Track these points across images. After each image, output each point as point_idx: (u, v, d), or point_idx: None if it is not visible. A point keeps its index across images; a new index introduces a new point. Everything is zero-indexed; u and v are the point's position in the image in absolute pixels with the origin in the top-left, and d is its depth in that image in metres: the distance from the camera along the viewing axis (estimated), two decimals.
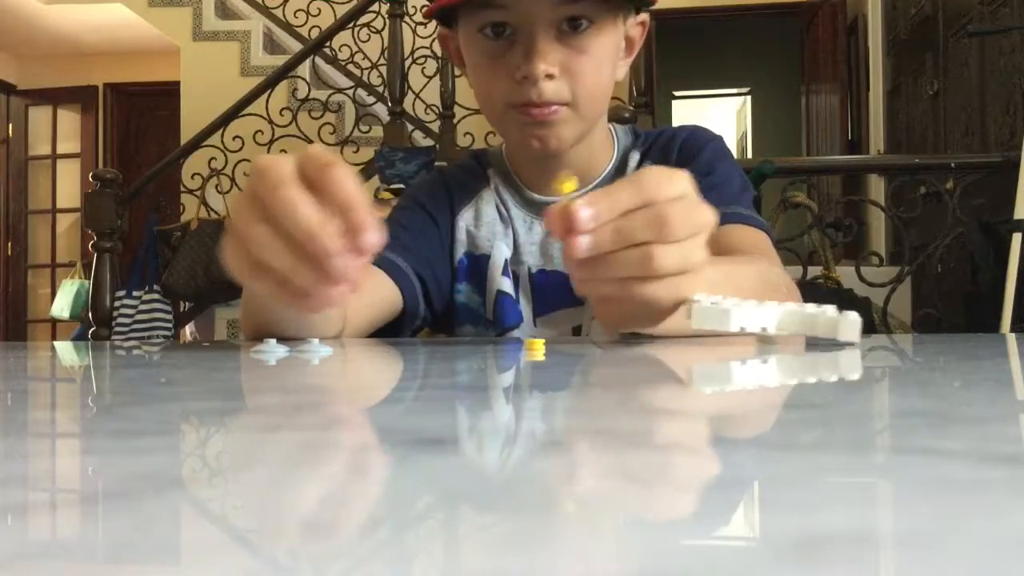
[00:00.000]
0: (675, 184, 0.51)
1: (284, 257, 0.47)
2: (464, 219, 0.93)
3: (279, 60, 4.20)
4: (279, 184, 0.47)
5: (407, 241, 0.88)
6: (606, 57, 0.83)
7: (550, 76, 0.79)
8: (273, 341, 0.52)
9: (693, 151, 0.90)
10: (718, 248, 0.78)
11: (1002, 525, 0.13)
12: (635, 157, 0.92)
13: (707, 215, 0.52)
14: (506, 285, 0.88)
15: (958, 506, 0.14)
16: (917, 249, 2.43)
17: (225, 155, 3.41)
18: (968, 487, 0.16)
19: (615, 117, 2.14)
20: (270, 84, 3.43)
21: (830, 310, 0.52)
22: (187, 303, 3.64)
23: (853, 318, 0.52)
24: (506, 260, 0.89)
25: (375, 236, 0.48)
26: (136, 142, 6.53)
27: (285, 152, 3.00)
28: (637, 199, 0.50)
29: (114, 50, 6.22)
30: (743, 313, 0.51)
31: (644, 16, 0.88)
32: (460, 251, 0.92)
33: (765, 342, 0.54)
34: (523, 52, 0.80)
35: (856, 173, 4.18)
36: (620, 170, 0.92)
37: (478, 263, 0.90)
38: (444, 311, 0.90)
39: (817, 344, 0.54)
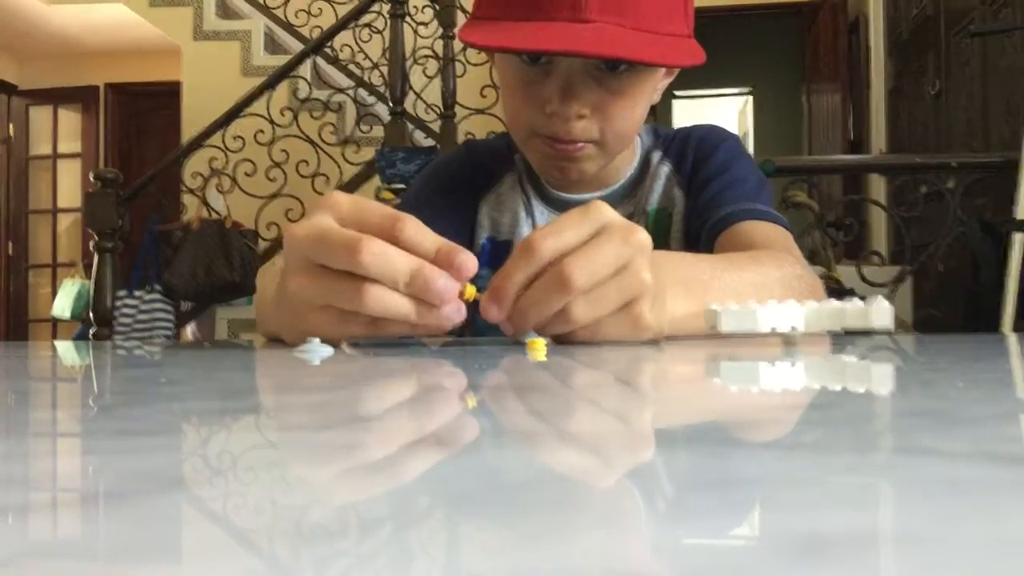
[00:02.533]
0: (566, 232, 0.51)
1: (388, 300, 0.51)
2: (487, 203, 0.92)
3: (280, 60, 4.21)
4: (356, 243, 0.49)
5: (429, 217, 0.87)
6: (642, 97, 0.80)
7: (581, 116, 0.77)
8: (316, 340, 0.52)
9: (708, 150, 0.89)
10: (737, 246, 0.78)
11: (1006, 526, 0.13)
12: (657, 155, 0.92)
13: (621, 246, 0.52)
14: None
15: (961, 507, 0.14)
16: (918, 249, 2.43)
17: (226, 155, 3.42)
18: (971, 487, 0.16)
19: None
20: (271, 84, 3.44)
21: (858, 301, 0.52)
22: (188, 303, 3.65)
23: (884, 304, 0.51)
24: None
25: (471, 259, 0.51)
26: (137, 142, 6.54)
27: (286, 152, 2.97)
28: (531, 264, 0.51)
29: (115, 50, 6.23)
30: (771, 313, 0.51)
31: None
32: (483, 235, 0.91)
33: (790, 342, 0.54)
34: (557, 88, 0.77)
35: (857, 173, 4.18)
36: (643, 170, 0.92)
37: (500, 249, 0.90)
38: None
39: (843, 338, 0.53)
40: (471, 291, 0.53)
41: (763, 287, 0.65)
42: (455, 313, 0.52)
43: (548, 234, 0.51)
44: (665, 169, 0.90)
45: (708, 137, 0.91)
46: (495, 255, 0.90)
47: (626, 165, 0.91)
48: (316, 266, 0.52)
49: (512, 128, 0.84)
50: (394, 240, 0.51)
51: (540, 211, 0.91)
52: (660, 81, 0.85)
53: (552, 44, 0.72)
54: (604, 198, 0.89)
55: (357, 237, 0.50)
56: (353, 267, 0.50)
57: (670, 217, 0.88)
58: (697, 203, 0.86)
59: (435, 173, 0.96)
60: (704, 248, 0.83)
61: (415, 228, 0.51)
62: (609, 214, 0.53)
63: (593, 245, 0.51)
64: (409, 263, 0.50)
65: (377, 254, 0.49)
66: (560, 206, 0.90)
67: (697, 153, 0.89)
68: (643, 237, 0.53)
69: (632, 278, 0.52)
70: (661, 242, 0.56)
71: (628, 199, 0.90)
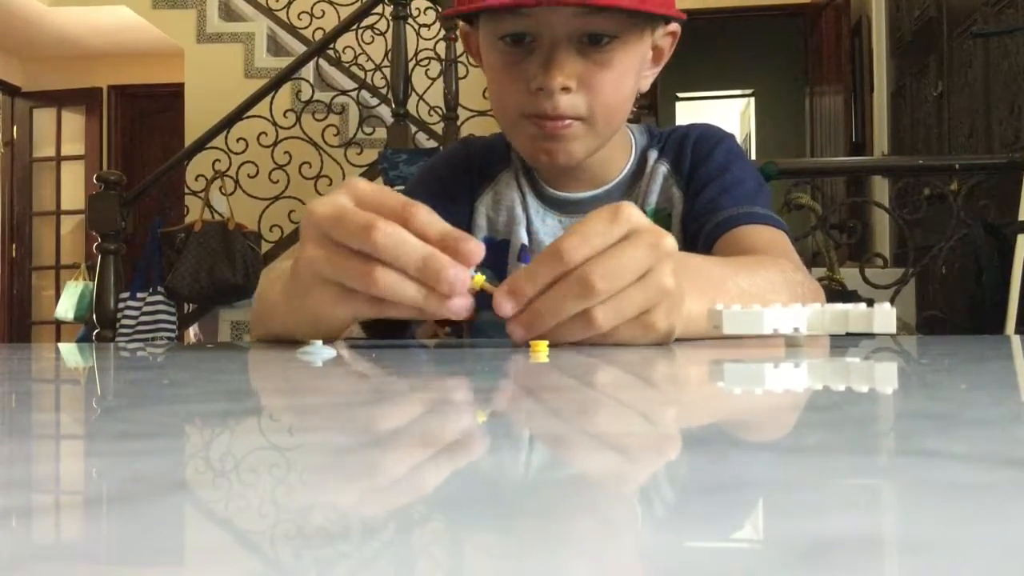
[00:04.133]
0: (594, 237, 0.51)
1: (397, 284, 0.51)
2: (484, 203, 0.92)
3: (283, 62, 4.21)
4: (372, 224, 0.51)
5: None
6: (628, 72, 0.80)
7: (567, 89, 0.77)
8: (319, 343, 0.52)
9: (706, 150, 0.89)
10: (737, 250, 0.78)
11: (1010, 528, 0.13)
12: (653, 155, 0.91)
13: (648, 251, 0.52)
14: None
15: (966, 509, 0.14)
16: (921, 251, 2.42)
17: (229, 157, 3.42)
18: (976, 490, 0.16)
19: None
20: (274, 86, 3.44)
21: (861, 305, 0.52)
22: (191, 305, 3.65)
23: (887, 309, 0.51)
24: (523, 245, 0.89)
25: (478, 247, 0.52)
26: (140, 144, 6.55)
27: (289, 154, 2.98)
28: (557, 268, 0.51)
29: (118, 52, 6.23)
30: (774, 315, 0.51)
31: (675, 26, 0.85)
32: (479, 236, 0.91)
33: (792, 344, 0.54)
34: (541, 62, 0.77)
35: (860, 174, 4.17)
36: (639, 170, 0.91)
37: (498, 248, 0.90)
38: None
39: (846, 340, 0.53)
40: (479, 279, 0.53)
41: (770, 292, 0.66)
42: (463, 307, 0.53)
43: (576, 240, 0.51)
44: (663, 169, 0.90)
45: (705, 137, 0.91)
46: (492, 255, 0.90)
47: (621, 162, 0.91)
48: (331, 242, 0.53)
49: (500, 115, 0.84)
50: (405, 224, 0.52)
51: (536, 209, 0.90)
52: (647, 68, 0.85)
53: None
54: (601, 196, 0.88)
55: (373, 218, 0.51)
56: (366, 246, 0.51)
57: (669, 217, 0.88)
58: (695, 205, 0.86)
59: (430, 171, 0.96)
60: (702, 250, 0.83)
61: (426, 215, 0.52)
62: (637, 217, 0.53)
63: (619, 250, 0.51)
64: (421, 250, 0.51)
65: (390, 235, 0.51)
66: (556, 204, 0.90)
67: (695, 153, 0.89)
68: (670, 242, 0.53)
69: (655, 284, 0.52)
70: None
71: (625, 197, 0.90)
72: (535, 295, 0.52)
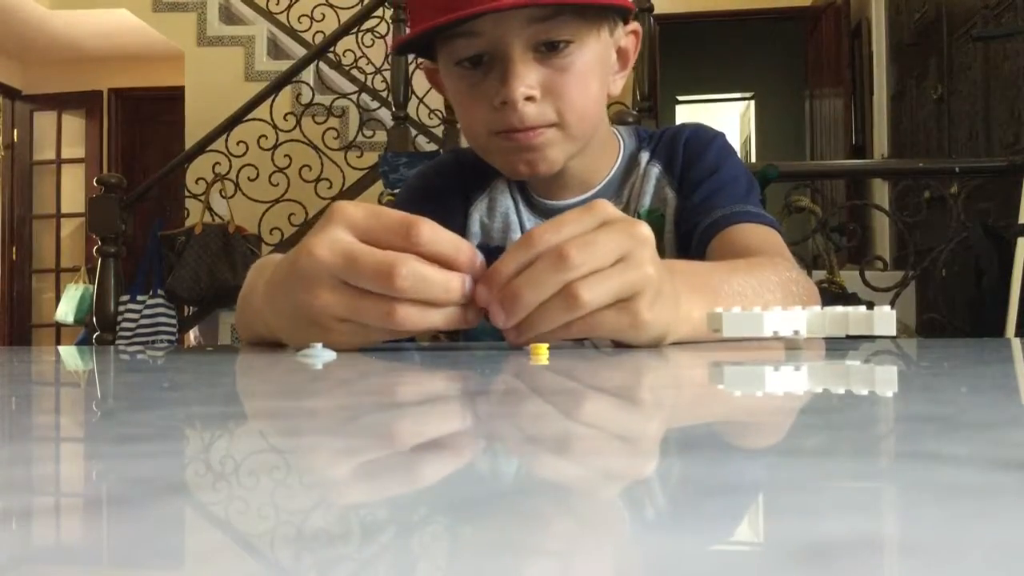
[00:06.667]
0: (567, 225, 0.52)
1: (419, 317, 0.52)
2: (478, 210, 0.92)
3: (283, 65, 4.21)
4: (390, 269, 0.50)
5: None
6: (591, 73, 0.79)
7: (531, 99, 0.76)
8: (319, 345, 0.52)
9: (698, 150, 0.89)
10: (732, 249, 0.78)
11: (1012, 531, 0.13)
12: (645, 157, 0.91)
13: (622, 236, 0.51)
14: None
15: (967, 512, 0.14)
16: (921, 253, 2.42)
17: (229, 160, 3.42)
18: (977, 493, 0.16)
19: (618, 121, 2.14)
20: (274, 89, 3.44)
21: (861, 307, 0.53)
22: (191, 307, 3.65)
23: (887, 311, 0.52)
24: None
25: (480, 259, 0.54)
26: (140, 147, 6.55)
27: (289, 157, 2.97)
28: (528, 255, 0.51)
29: (119, 55, 6.24)
30: (774, 317, 0.51)
31: (635, 25, 0.85)
32: (474, 243, 0.91)
33: (793, 347, 0.54)
34: (500, 77, 0.76)
35: (860, 177, 4.18)
36: (628, 171, 0.91)
37: (493, 255, 0.90)
38: None
39: (846, 343, 0.53)
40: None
41: (766, 293, 0.66)
42: (476, 315, 0.53)
43: (548, 227, 0.52)
44: (655, 170, 0.90)
45: (697, 136, 0.91)
46: (488, 261, 0.90)
47: (609, 164, 0.90)
48: (344, 285, 0.52)
49: (471, 137, 0.83)
50: (411, 247, 0.51)
51: (527, 218, 0.90)
52: (614, 71, 0.85)
53: (468, 8, 0.72)
54: (590, 200, 0.88)
55: (389, 261, 0.50)
56: (389, 292, 0.50)
57: (662, 217, 0.88)
58: (688, 205, 0.86)
59: (421, 179, 0.96)
60: (696, 250, 0.83)
61: (431, 231, 0.52)
62: (611, 210, 0.53)
63: (593, 234, 0.51)
64: (441, 279, 0.51)
65: (409, 276, 0.50)
66: (546, 213, 0.90)
67: (687, 153, 0.89)
68: (644, 230, 0.53)
69: (635, 267, 0.52)
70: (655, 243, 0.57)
71: (615, 200, 0.90)
72: (510, 276, 0.52)
